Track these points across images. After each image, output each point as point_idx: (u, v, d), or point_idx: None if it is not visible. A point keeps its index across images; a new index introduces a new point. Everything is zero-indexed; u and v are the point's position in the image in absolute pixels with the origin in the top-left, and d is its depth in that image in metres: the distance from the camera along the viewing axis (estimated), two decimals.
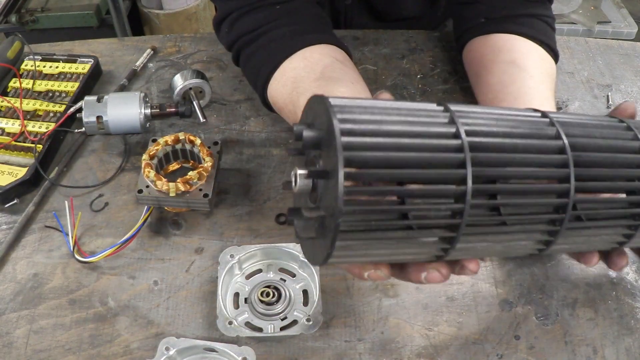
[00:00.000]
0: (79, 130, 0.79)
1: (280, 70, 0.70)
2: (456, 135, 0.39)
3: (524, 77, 0.72)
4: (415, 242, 0.41)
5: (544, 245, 0.45)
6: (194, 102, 0.81)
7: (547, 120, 0.44)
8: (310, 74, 0.68)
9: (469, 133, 0.40)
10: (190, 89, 0.81)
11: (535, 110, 0.47)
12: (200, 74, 0.82)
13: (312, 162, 0.42)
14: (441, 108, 0.42)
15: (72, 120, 0.80)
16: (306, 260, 0.64)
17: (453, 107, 0.42)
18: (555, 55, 0.78)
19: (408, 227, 0.39)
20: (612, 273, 0.66)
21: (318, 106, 0.40)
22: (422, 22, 1.02)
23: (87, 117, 0.77)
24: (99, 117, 0.77)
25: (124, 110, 0.77)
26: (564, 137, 0.43)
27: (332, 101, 0.39)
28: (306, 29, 0.73)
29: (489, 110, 0.44)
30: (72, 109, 0.79)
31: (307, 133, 0.40)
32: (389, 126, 0.38)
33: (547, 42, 0.77)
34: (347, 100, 0.40)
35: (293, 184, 0.41)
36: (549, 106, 0.69)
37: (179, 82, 0.81)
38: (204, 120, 0.80)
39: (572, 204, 0.42)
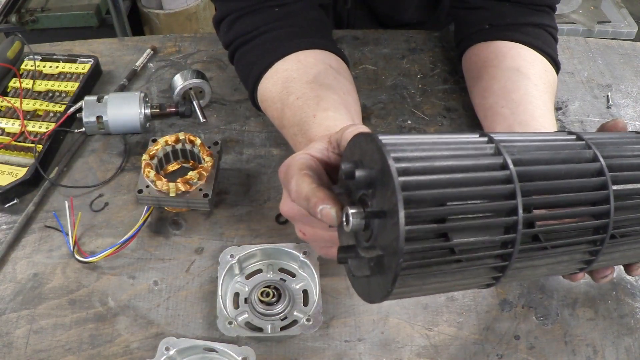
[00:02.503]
0: (79, 130, 0.79)
1: (273, 69, 0.71)
2: (504, 167, 0.40)
3: (528, 85, 0.71)
4: (469, 273, 0.41)
5: (585, 264, 0.47)
6: (194, 102, 0.81)
7: (582, 142, 0.46)
8: (303, 76, 0.68)
9: (515, 162, 0.41)
10: (190, 89, 0.81)
11: (570, 133, 0.48)
12: (200, 74, 0.82)
13: (362, 200, 0.42)
14: (485, 139, 0.43)
15: (72, 120, 0.80)
16: (306, 260, 0.64)
17: (496, 137, 0.43)
18: (557, 67, 0.78)
19: (462, 260, 0.40)
20: (613, 273, 0.66)
21: (367, 144, 0.41)
22: (424, 28, 1.02)
23: (87, 117, 0.77)
24: (99, 117, 0.77)
25: (124, 110, 0.77)
26: (601, 159, 0.44)
27: (383, 139, 0.39)
28: (303, 33, 0.73)
29: (528, 137, 0.45)
30: (72, 109, 0.79)
31: (360, 173, 0.40)
32: (440, 162, 0.39)
33: (551, 54, 0.77)
34: (395, 137, 0.41)
35: (345, 223, 0.41)
36: (550, 116, 0.69)
37: (179, 82, 0.81)
38: (204, 120, 0.80)
39: (612, 224, 0.44)
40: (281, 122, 0.69)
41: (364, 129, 0.48)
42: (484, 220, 0.40)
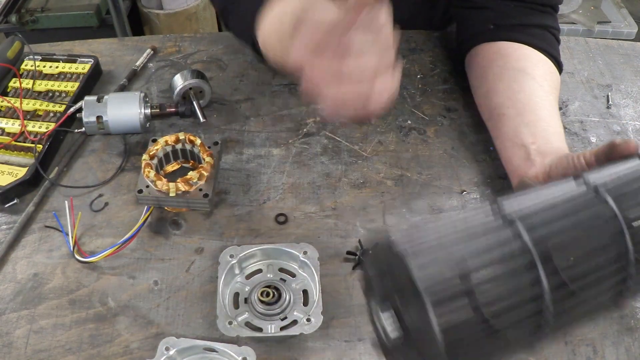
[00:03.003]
0: (79, 130, 0.79)
1: (270, 10, 0.65)
2: (525, 250, 0.40)
3: (533, 86, 0.72)
4: (503, 350, 0.42)
5: (607, 310, 0.49)
6: (194, 102, 0.81)
7: (600, 198, 0.45)
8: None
9: (536, 242, 0.40)
10: (190, 89, 0.81)
11: (586, 184, 0.47)
12: (200, 74, 0.82)
13: (392, 299, 0.42)
14: (500, 220, 0.42)
15: (72, 120, 0.80)
16: (306, 260, 0.64)
17: (515, 213, 0.42)
18: (560, 69, 0.78)
19: (499, 344, 0.40)
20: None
21: (390, 257, 0.41)
22: (418, 26, 1.01)
23: (87, 117, 0.77)
24: (98, 117, 0.77)
25: (124, 110, 0.77)
26: (620, 217, 0.44)
27: (406, 249, 0.39)
28: None
29: (544, 200, 0.44)
30: (72, 109, 0.79)
31: (386, 282, 0.41)
32: (468, 262, 0.39)
33: (555, 56, 0.77)
34: (411, 236, 0.40)
35: (383, 335, 0.42)
36: (556, 117, 0.70)
37: (179, 82, 0.81)
38: (204, 120, 0.80)
39: (633, 278, 0.44)
40: (286, 53, 0.63)
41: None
42: (518, 311, 0.40)
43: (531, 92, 0.71)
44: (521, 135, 0.68)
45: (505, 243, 0.41)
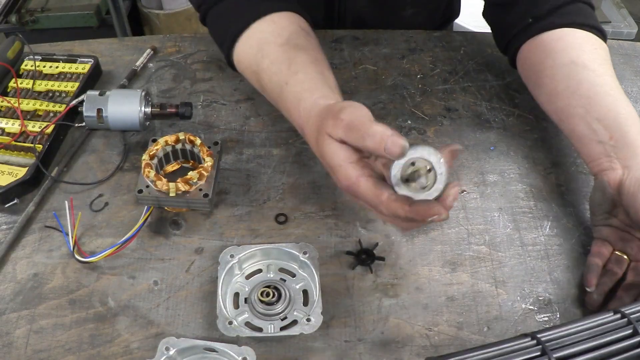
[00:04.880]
0: (80, 125, 0.79)
1: (248, 31, 0.74)
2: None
3: (589, 76, 0.71)
4: None
5: None
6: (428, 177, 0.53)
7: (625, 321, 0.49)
8: (277, 38, 0.72)
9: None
10: (413, 164, 0.53)
11: (615, 312, 0.50)
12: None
13: None
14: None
15: (73, 119, 0.80)
16: (306, 260, 0.64)
17: (548, 341, 0.47)
18: (603, 36, 0.77)
19: None
20: None
21: None
22: (419, 23, 1.01)
23: (88, 111, 0.77)
24: (99, 110, 0.77)
25: (124, 106, 0.77)
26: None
27: None
28: None
29: (580, 338, 0.48)
30: (74, 102, 0.79)
31: None
32: None
33: (594, 25, 0.76)
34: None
35: None
36: (619, 96, 0.69)
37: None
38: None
39: None
40: (260, 86, 0.74)
41: (357, 105, 0.58)
42: None
43: (589, 84, 0.71)
44: (597, 131, 0.67)
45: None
